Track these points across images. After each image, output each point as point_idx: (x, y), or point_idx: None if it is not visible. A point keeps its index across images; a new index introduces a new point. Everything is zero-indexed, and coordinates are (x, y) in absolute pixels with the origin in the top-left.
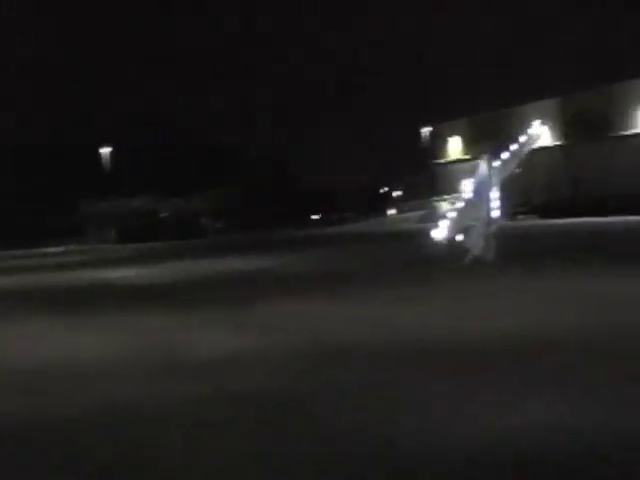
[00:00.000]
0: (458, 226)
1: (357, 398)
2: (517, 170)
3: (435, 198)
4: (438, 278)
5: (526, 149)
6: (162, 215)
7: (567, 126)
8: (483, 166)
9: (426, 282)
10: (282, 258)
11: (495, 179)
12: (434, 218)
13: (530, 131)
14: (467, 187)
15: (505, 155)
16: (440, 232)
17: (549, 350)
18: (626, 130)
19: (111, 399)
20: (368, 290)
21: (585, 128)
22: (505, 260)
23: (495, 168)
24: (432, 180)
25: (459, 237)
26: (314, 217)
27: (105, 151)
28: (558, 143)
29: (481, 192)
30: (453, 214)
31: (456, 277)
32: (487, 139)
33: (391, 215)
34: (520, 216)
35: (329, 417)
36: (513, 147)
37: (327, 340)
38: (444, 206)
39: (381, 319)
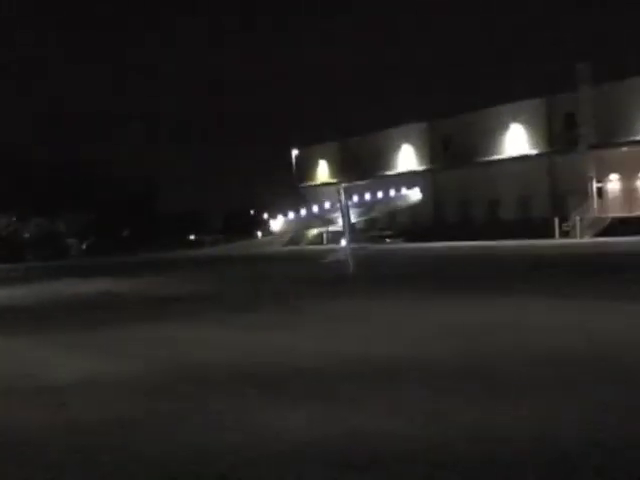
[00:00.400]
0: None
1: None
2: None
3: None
4: (294, 301)
5: (391, 205)
6: (25, 235)
7: (433, 151)
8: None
9: (283, 305)
10: (148, 280)
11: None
12: (300, 241)
13: (404, 192)
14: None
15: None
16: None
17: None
18: (490, 157)
19: None
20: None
21: (451, 154)
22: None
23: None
24: (300, 203)
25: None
26: (188, 238)
27: None
28: (423, 168)
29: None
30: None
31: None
32: (356, 163)
33: (259, 237)
34: (387, 240)
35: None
36: (380, 199)
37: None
38: (312, 230)
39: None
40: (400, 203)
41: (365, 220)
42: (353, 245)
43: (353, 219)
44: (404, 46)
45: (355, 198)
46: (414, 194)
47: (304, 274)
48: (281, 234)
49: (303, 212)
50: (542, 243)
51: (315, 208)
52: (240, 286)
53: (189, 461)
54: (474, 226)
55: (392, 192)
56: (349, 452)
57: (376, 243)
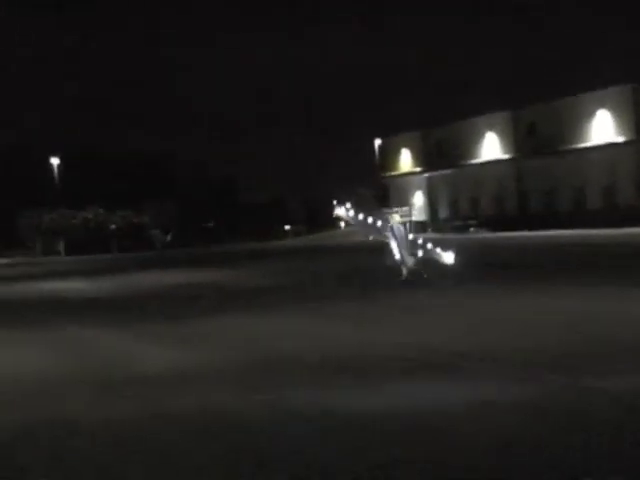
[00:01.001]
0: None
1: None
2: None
3: (385, 211)
4: (376, 295)
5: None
6: (112, 227)
7: (518, 139)
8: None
9: (365, 298)
10: (231, 271)
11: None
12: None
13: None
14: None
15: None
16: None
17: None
18: (576, 145)
19: (50, 414)
20: (310, 305)
21: (535, 142)
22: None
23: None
24: (382, 193)
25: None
26: (271, 228)
27: (54, 161)
28: (507, 157)
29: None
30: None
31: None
32: (440, 152)
33: (342, 228)
34: (471, 229)
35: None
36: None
37: (270, 355)
38: (395, 219)
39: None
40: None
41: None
42: (436, 235)
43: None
44: (484, 35)
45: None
46: (448, 257)
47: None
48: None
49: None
50: (633, 232)
51: (370, 219)
52: (321, 279)
53: None
54: (559, 215)
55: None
56: None
57: (460, 233)
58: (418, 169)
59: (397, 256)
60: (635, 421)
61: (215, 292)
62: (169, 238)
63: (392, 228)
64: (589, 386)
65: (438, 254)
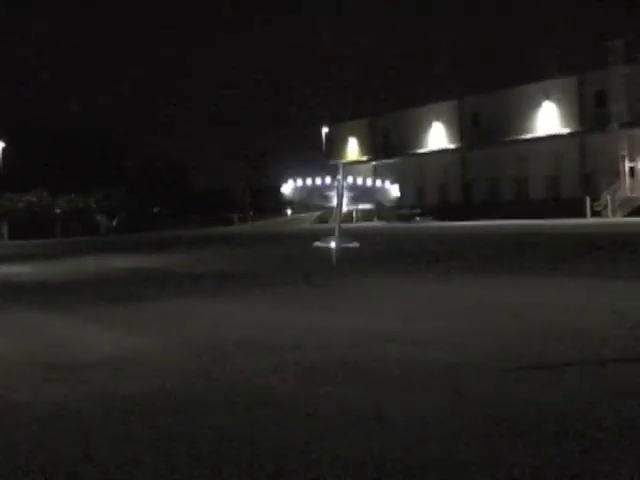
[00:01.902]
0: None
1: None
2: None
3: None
4: (316, 281)
5: (375, 197)
6: (57, 211)
7: (463, 129)
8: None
9: (309, 285)
10: (176, 257)
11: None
12: (329, 218)
13: (387, 186)
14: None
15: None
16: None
17: None
18: (520, 135)
19: None
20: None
21: (480, 132)
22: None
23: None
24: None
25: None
26: (217, 215)
27: None
28: (453, 146)
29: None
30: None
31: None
32: (386, 141)
33: (288, 215)
34: (417, 218)
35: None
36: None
37: (219, 340)
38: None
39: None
40: (380, 197)
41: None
42: (382, 223)
43: (344, 204)
44: (432, 26)
45: (350, 179)
46: (394, 190)
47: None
48: (291, 199)
49: (309, 182)
50: (575, 222)
51: (318, 180)
52: (268, 264)
53: None
54: (503, 205)
55: (378, 182)
56: None
57: (405, 222)
58: (365, 157)
59: (333, 241)
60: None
61: (156, 277)
62: (114, 223)
63: (340, 189)
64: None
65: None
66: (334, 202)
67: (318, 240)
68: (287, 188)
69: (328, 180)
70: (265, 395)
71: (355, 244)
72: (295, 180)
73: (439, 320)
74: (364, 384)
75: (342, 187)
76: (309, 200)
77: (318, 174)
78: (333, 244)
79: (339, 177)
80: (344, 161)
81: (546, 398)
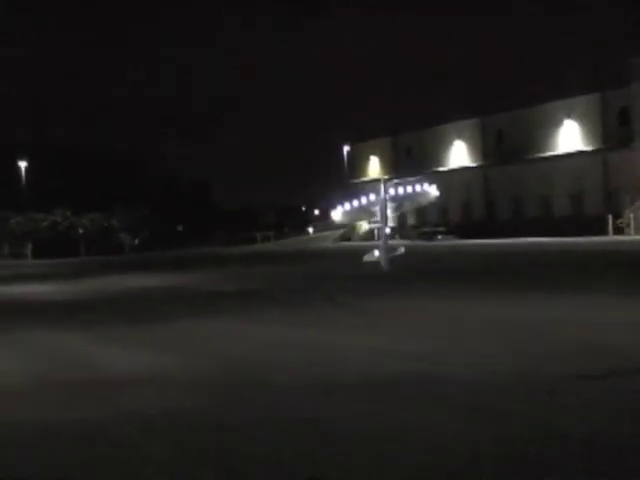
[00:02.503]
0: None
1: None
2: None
3: None
4: (346, 300)
5: (416, 201)
6: (80, 230)
7: (486, 147)
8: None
9: (334, 304)
10: (199, 276)
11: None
12: (352, 237)
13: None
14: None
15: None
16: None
17: None
18: (543, 153)
19: (26, 418)
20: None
21: (503, 150)
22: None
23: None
24: (352, 198)
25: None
26: (240, 234)
27: (22, 164)
28: (475, 164)
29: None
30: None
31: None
32: (408, 159)
33: (311, 233)
34: (439, 237)
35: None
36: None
37: (239, 360)
38: (363, 225)
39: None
40: (422, 200)
41: (400, 215)
42: (404, 242)
43: (389, 213)
44: (452, 44)
45: (391, 191)
46: (433, 190)
47: (350, 272)
48: (342, 225)
49: (355, 203)
50: (596, 240)
51: (364, 200)
52: (288, 283)
53: None
54: (526, 223)
55: (417, 188)
56: None
57: (428, 240)
58: (387, 176)
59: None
60: None
61: (179, 296)
62: (137, 242)
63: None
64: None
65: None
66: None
67: (365, 255)
68: (337, 214)
69: (372, 197)
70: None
71: (401, 250)
72: (343, 205)
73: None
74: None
75: (385, 202)
76: (358, 218)
77: (362, 193)
78: (378, 253)
79: (382, 191)
80: (364, 179)
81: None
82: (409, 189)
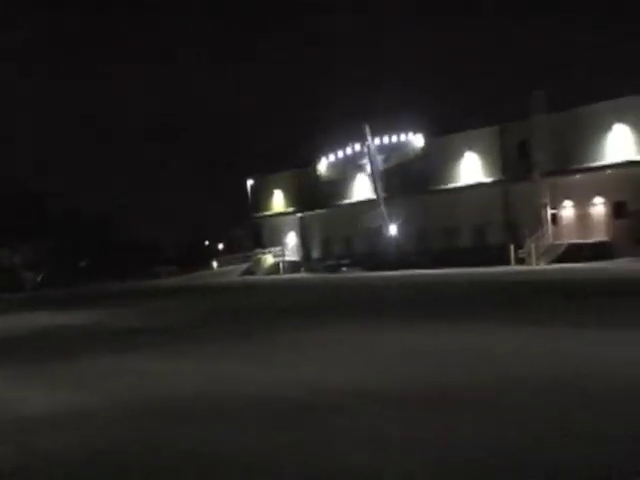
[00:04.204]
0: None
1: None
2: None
3: (258, 251)
4: (253, 332)
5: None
6: None
7: (389, 180)
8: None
9: (245, 335)
10: (104, 312)
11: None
12: (257, 271)
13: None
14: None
15: None
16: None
17: None
18: (446, 185)
19: None
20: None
21: (406, 182)
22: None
23: None
24: (255, 233)
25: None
26: (144, 269)
27: None
28: (382, 196)
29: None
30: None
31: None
32: (313, 192)
33: (215, 268)
34: (344, 269)
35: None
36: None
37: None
38: (268, 259)
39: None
40: (408, 150)
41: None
42: (309, 275)
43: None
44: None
45: (377, 140)
46: (417, 140)
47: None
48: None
49: (340, 154)
50: (498, 270)
51: (349, 150)
52: (197, 318)
53: None
54: (431, 254)
55: (395, 138)
56: None
57: (332, 272)
58: (291, 209)
59: None
60: None
61: (84, 333)
62: (40, 279)
63: None
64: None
65: None
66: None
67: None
68: (323, 167)
69: (357, 147)
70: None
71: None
72: (328, 157)
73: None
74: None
75: (374, 154)
76: (345, 173)
77: (346, 144)
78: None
79: (368, 142)
80: (269, 213)
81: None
82: (394, 139)
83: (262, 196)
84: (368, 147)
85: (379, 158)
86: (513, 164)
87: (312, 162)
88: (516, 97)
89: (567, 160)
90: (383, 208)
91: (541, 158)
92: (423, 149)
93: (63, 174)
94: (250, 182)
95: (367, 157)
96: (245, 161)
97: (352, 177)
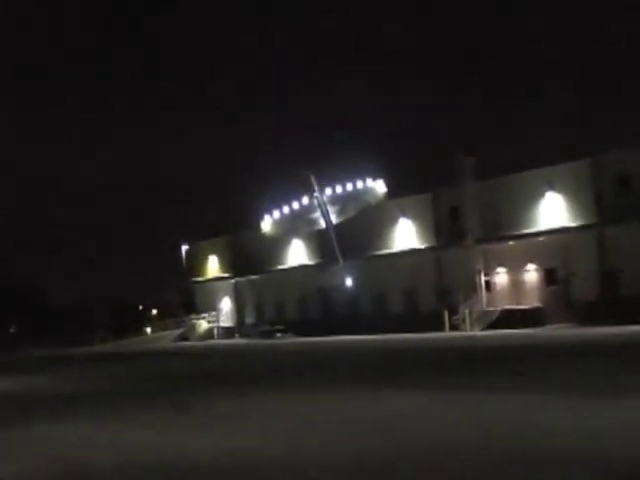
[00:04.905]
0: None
1: None
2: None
3: (192, 316)
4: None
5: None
6: None
7: (321, 247)
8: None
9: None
10: (35, 379)
11: None
12: (191, 336)
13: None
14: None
15: None
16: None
17: None
18: (379, 250)
19: None
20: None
21: (340, 247)
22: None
23: None
24: (189, 298)
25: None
26: (76, 335)
27: None
28: (310, 262)
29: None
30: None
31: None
32: (245, 258)
33: (149, 333)
34: (278, 334)
35: None
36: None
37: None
38: (202, 324)
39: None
40: (369, 198)
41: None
42: (243, 340)
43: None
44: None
45: (328, 191)
46: (379, 187)
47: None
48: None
49: (286, 210)
50: (435, 336)
51: (296, 205)
52: (130, 385)
53: None
54: (362, 320)
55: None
56: None
57: (266, 338)
58: (225, 274)
59: None
60: None
61: (15, 401)
62: None
63: None
64: None
65: None
66: (323, 223)
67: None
68: (267, 225)
69: (306, 201)
70: None
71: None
72: (272, 213)
73: None
74: None
75: (324, 203)
76: (298, 229)
77: (293, 197)
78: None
79: (316, 194)
80: (204, 278)
81: None
82: (349, 187)
83: (197, 261)
84: (317, 199)
85: (332, 210)
86: (445, 230)
87: (253, 222)
88: (448, 162)
89: (499, 227)
90: (341, 264)
91: (473, 225)
92: (386, 195)
93: None
94: (185, 247)
95: (318, 210)
96: (179, 226)
97: (302, 233)
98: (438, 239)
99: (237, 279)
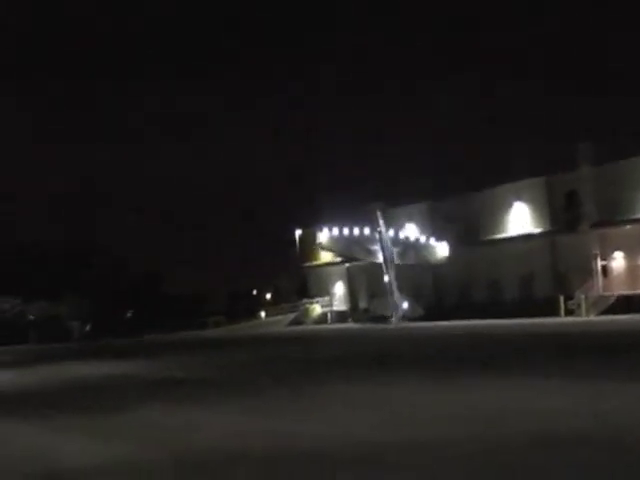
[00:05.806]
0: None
1: None
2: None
3: (305, 301)
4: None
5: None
6: (30, 318)
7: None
8: None
9: (286, 389)
10: (152, 363)
11: None
12: (304, 321)
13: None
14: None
15: None
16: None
17: None
18: (492, 236)
19: None
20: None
21: (455, 232)
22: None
23: None
24: (302, 282)
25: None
26: (191, 320)
27: None
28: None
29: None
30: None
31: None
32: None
33: (263, 318)
34: (392, 319)
35: None
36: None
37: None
38: (316, 309)
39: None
40: (428, 255)
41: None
42: (356, 325)
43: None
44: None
45: (391, 232)
46: (442, 248)
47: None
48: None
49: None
50: (548, 322)
51: (356, 231)
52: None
53: None
54: (476, 306)
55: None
56: None
57: (380, 323)
58: (338, 259)
59: None
60: None
61: (130, 384)
62: (87, 329)
63: None
64: None
65: None
66: (379, 257)
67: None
68: (324, 237)
69: (367, 231)
70: None
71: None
72: (331, 229)
73: None
74: None
75: (387, 239)
76: (350, 252)
77: (356, 223)
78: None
79: (380, 228)
80: (316, 263)
81: None
82: (412, 238)
83: (310, 247)
84: (380, 234)
85: (394, 250)
86: (561, 215)
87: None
88: (561, 147)
89: (616, 211)
90: (396, 297)
91: (589, 209)
92: (449, 259)
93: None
94: (298, 232)
95: (379, 244)
96: (294, 211)
97: (356, 259)
98: (553, 224)
99: (350, 264)
